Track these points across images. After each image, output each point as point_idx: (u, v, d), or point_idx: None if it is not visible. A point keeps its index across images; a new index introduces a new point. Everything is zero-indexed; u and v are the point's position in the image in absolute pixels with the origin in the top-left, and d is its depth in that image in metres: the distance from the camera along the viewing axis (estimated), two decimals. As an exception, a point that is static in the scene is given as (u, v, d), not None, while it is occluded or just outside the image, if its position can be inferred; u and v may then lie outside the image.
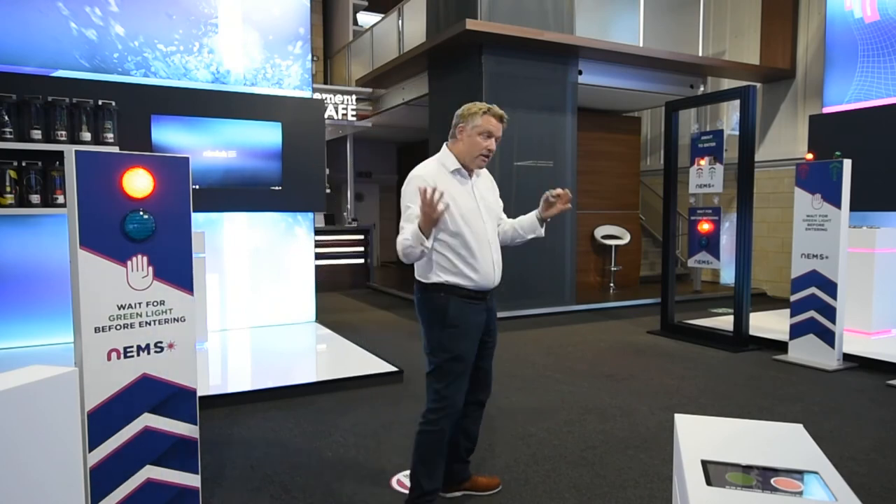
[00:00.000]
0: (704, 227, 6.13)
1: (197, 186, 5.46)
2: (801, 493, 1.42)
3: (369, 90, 10.19)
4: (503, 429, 3.68)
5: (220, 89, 5.79)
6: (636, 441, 3.48)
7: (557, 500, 2.80)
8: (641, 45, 8.17)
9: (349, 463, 3.19)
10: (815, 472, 1.52)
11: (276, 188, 5.99)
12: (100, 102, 5.05)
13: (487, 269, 2.51)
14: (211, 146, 5.71)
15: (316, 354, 5.66)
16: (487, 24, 6.74)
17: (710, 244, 6.10)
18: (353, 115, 9.98)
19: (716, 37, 9.73)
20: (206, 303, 5.38)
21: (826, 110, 7.41)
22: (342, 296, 9.26)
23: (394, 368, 4.71)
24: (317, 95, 7.11)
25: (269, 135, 5.94)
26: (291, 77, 6.18)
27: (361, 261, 10.21)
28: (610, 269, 9.25)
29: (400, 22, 9.49)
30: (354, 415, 3.91)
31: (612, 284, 9.21)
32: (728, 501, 1.40)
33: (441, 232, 2.46)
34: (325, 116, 9.40)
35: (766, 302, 8.26)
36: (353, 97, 10.03)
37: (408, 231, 2.37)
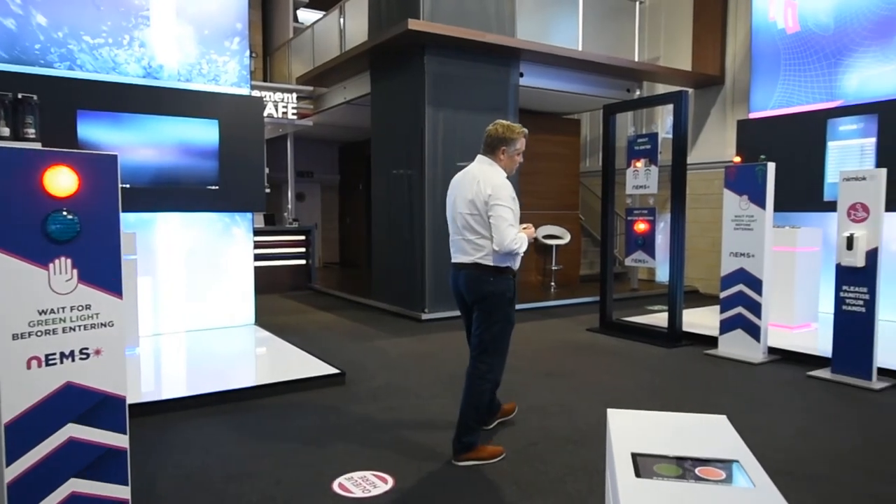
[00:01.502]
0: (641, 226, 6.33)
1: (127, 185, 5.25)
2: (723, 481, 1.50)
3: (310, 88, 10.04)
4: (443, 429, 3.69)
5: (153, 84, 5.57)
6: (576, 436, 3.56)
7: (499, 496, 2.83)
8: (580, 49, 8.36)
9: (289, 469, 3.13)
10: (737, 461, 1.60)
11: (213, 187, 5.81)
12: (20, 96, 4.77)
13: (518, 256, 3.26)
14: (143, 143, 5.48)
15: (255, 358, 5.53)
16: (430, 24, 6.75)
17: (646, 243, 6.30)
18: (293, 114, 9.81)
19: (651, 43, 10.07)
20: (137, 307, 5.17)
21: (752, 116, 7.78)
22: (283, 298, 9.08)
23: (336, 370, 4.66)
24: (256, 93, 6.95)
25: (205, 132, 5.76)
26: (229, 74, 6.02)
27: (303, 262, 10.04)
28: (551, 268, 9.42)
29: (342, 20, 9.39)
30: (295, 419, 3.84)
31: (552, 284, 9.38)
32: (654, 492, 1.46)
33: None
34: (265, 114, 9.21)
35: (699, 299, 8.60)
36: (294, 95, 9.85)
37: (524, 241, 3.14)
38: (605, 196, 6.65)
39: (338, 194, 14.13)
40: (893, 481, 2.97)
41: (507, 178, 3.21)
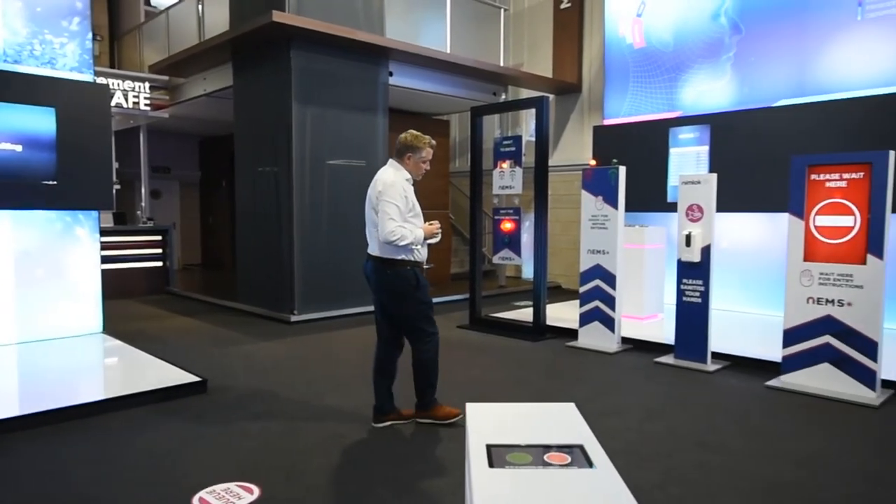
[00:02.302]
0: (507, 225, 6.58)
1: (-59, 179, 4.58)
2: (568, 465, 1.62)
3: (165, 78, 9.36)
4: (314, 433, 3.60)
5: (-27, 65, 4.92)
6: (447, 432, 3.62)
7: (371, 497, 2.81)
8: (449, 51, 8.53)
9: (142, 488, 2.89)
10: (581, 445, 1.73)
11: (50, 182, 5.24)
12: None
13: (424, 248, 3.64)
14: (-39, 131, 4.81)
15: (104, 369, 5.06)
16: (296, 17, 6.55)
17: (513, 242, 6.56)
18: (146, 104, 9.08)
19: (515, 49, 10.50)
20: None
21: (606, 122, 8.37)
22: (137, 303, 8.39)
23: (197, 378, 4.38)
24: (101, 80, 6.34)
25: (38, 121, 5.17)
26: (67, 57, 5.45)
27: (159, 263, 9.34)
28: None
29: (200, 6, 8.84)
30: (149, 434, 3.55)
31: (424, 282, 9.48)
32: (505, 480, 1.54)
33: (408, 222, 3.48)
34: (113, 104, 8.46)
35: (561, 294, 9.11)
36: (146, 84, 9.13)
37: (415, 233, 3.46)
38: (473, 196, 6.83)
39: (199, 191, 13.31)
40: (722, 451, 3.32)
41: (413, 181, 3.61)
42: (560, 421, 1.96)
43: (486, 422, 1.92)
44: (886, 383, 4.30)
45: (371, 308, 7.84)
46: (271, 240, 7.22)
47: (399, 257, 3.49)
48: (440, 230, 3.62)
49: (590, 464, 1.62)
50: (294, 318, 6.85)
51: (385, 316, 3.70)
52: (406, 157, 3.59)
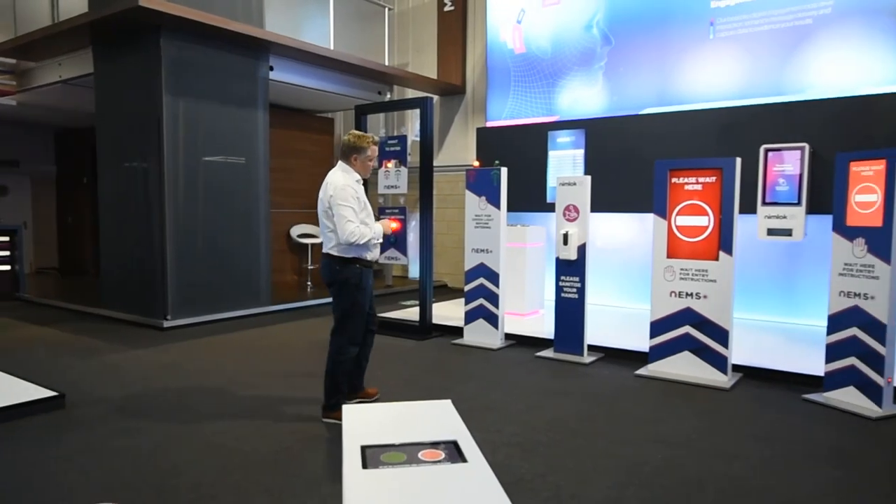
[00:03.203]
0: (393, 225, 6.54)
1: None
2: (441, 461, 1.64)
3: (12, 61, 8.43)
4: (190, 443, 3.39)
5: None
6: (331, 436, 3.54)
7: (251, 510, 2.69)
8: (332, 48, 8.37)
9: (-15, 519, 2.58)
10: (455, 441, 1.76)
11: None
12: None
13: (377, 246, 3.85)
14: None
15: (-63, 389, 4.45)
16: (165, 3, 6.12)
17: (399, 241, 6.54)
18: (-11, 90, 8.13)
19: (400, 49, 10.51)
20: None
21: (489, 124, 8.59)
22: (-20, 312, 7.50)
23: (52, 393, 3.98)
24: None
25: None
26: None
27: (6, 267, 8.41)
28: (307, 267, 9.29)
29: (54, -17, 8.03)
30: (-6, 457, 3.18)
31: (309, 283, 9.26)
32: (377, 481, 1.54)
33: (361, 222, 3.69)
34: (-53, 88, 7.50)
35: (448, 293, 9.24)
36: (-10, 68, 8.18)
37: (374, 229, 3.73)
38: (358, 195, 6.74)
39: (55, 188, 12.10)
40: (596, 438, 3.51)
41: (364, 180, 3.83)
42: (436, 418, 1.98)
43: (362, 423, 1.91)
44: (736, 367, 4.77)
45: (252, 311, 7.56)
46: (141, 240, 6.73)
47: (350, 256, 3.69)
48: (399, 225, 3.88)
49: (463, 459, 1.65)
50: (168, 324, 6.42)
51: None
52: (352, 158, 3.76)
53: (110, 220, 7.17)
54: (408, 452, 1.68)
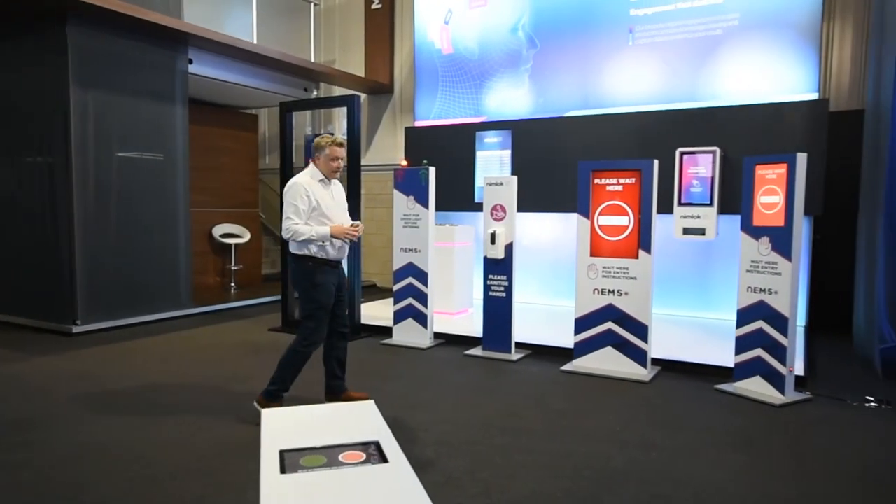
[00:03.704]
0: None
1: None
2: (362, 463, 1.62)
3: None
4: (99, 456, 3.20)
5: None
6: (246, 440, 3.42)
7: (168, 523, 2.56)
8: (255, 42, 8.12)
9: None
10: (377, 442, 1.74)
11: None
12: None
13: (340, 247, 3.86)
14: None
15: None
16: (72, -12, 5.76)
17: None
18: None
19: (327, 46, 10.32)
20: None
21: (417, 124, 8.58)
22: None
23: (-57, 408, 3.66)
24: None
25: None
26: None
27: None
28: (230, 268, 8.98)
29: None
30: None
31: (233, 284, 8.96)
32: (294, 485, 1.51)
33: (315, 220, 3.75)
34: None
35: (377, 293, 9.16)
36: None
37: (315, 230, 3.70)
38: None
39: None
40: (523, 434, 3.57)
41: (329, 176, 3.86)
42: (359, 419, 1.95)
43: (282, 427, 1.86)
44: (655, 361, 4.97)
45: (172, 314, 7.25)
46: (45, 240, 6.29)
47: (302, 252, 3.76)
48: (357, 232, 3.80)
49: (384, 459, 1.63)
50: (77, 329, 6.04)
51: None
52: (316, 158, 3.85)
53: (7, 217, 6.66)
54: (328, 455, 1.64)
